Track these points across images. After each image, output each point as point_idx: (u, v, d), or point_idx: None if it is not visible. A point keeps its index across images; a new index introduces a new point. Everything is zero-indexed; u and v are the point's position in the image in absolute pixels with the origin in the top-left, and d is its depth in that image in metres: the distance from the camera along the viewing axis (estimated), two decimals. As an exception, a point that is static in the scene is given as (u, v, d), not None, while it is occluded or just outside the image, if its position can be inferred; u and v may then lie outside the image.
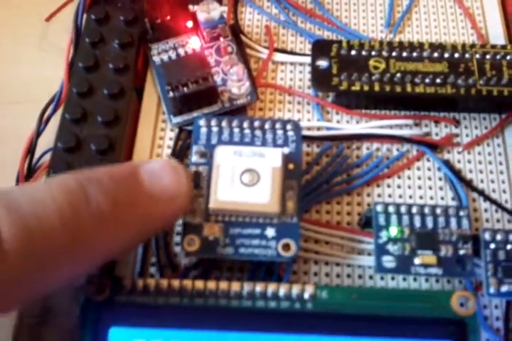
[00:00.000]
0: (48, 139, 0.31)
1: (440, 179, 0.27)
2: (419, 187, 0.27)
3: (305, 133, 0.27)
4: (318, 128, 0.28)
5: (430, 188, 0.27)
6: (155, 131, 0.28)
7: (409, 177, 0.27)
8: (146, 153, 0.27)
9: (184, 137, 0.27)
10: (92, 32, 0.29)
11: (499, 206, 0.26)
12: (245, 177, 0.23)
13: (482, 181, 0.27)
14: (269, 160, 0.23)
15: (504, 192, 0.27)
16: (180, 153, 0.27)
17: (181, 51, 0.28)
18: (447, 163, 0.27)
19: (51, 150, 0.27)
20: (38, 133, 0.30)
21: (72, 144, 0.26)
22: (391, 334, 0.20)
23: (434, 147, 0.27)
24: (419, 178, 0.27)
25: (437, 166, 0.27)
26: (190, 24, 0.29)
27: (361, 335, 0.20)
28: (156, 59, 0.29)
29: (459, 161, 0.27)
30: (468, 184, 0.26)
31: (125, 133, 0.27)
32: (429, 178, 0.27)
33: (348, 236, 0.25)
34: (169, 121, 0.28)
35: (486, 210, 0.26)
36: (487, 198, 0.26)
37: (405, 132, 0.27)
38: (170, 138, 0.28)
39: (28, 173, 0.31)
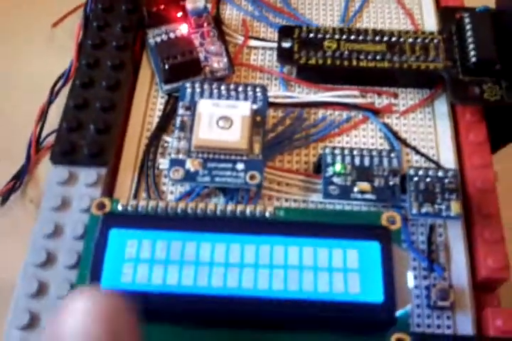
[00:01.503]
0: (53, 122, 0.36)
1: (380, 138, 0.33)
2: (364, 144, 0.33)
3: (272, 100, 0.33)
4: (283, 98, 0.34)
5: (372, 145, 0.33)
6: (148, 97, 0.34)
7: (355, 136, 0.33)
8: (140, 114, 0.33)
9: (172, 102, 0.33)
10: (98, 17, 0.35)
11: (427, 158, 0.32)
12: (221, 122, 0.29)
13: (415, 139, 0.33)
14: (241, 110, 0.29)
15: (432, 148, 0.33)
16: (169, 114, 0.33)
17: (172, 35, 0.35)
18: (387, 125, 0.33)
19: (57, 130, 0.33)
20: (50, 102, 0.36)
21: (81, 102, 0.32)
22: (330, 235, 0.26)
23: (376, 113, 0.33)
24: (363, 136, 0.33)
25: (378, 128, 0.33)
26: (180, 14, 0.35)
27: (308, 236, 0.26)
28: (151, 41, 0.35)
29: (396, 124, 0.33)
30: (403, 141, 0.33)
31: (124, 96, 0.33)
32: (372, 137, 0.33)
33: (303, 179, 0.31)
34: (160, 88, 0.34)
35: (417, 161, 0.32)
36: (417, 152, 0.32)
37: (353, 100, 0.34)
38: (161, 103, 0.34)
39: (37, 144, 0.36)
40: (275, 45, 0.35)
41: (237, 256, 0.25)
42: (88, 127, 0.31)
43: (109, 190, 0.31)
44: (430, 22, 0.37)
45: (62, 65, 0.36)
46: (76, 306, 0.18)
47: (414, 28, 0.37)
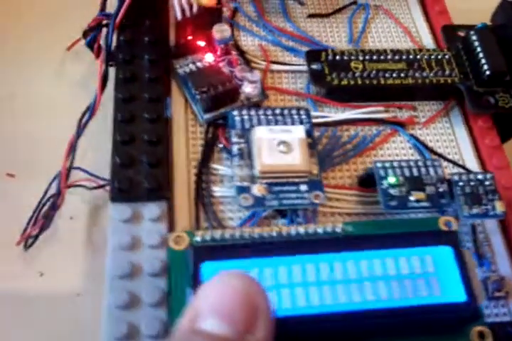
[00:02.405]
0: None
1: (410, 148, 0.36)
2: (397, 155, 0.35)
3: (306, 121, 0.35)
4: (315, 118, 0.36)
5: (404, 155, 0.35)
6: (187, 128, 0.34)
7: (387, 148, 0.35)
8: (182, 145, 0.34)
9: (212, 130, 0.34)
10: (125, 51, 0.35)
11: (455, 163, 0.35)
12: (281, 147, 0.30)
13: (439, 147, 0.36)
14: (296, 133, 0.31)
15: (455, 154, 0.36)
16: (211, 142, 0.34)
17: (199, 65, 0.36)
18: (414, 136, 0.36)
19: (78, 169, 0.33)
20: (78, 135, 0.35)
21: (127, 138, 0.32)
22: (405, 244, 0.28)
23: (402, 125, 0.36)
24: (395, 148, 0.35)
25: (407, 139, 0.36)
26: (203, 43, 0.36)
27: (385, 248, 0.27)
28: (180, 71, 0.35)
29: (420, 135, 0.36)
30: (431, 150, 0.35)
31: (167, 128, 0.33)
32: (402, 148, 0.36)
33: (352, 193, 0.33)
34: (200, 118, 0.34)
35: (445, 167, 0.35)
36: (445, 158, 0.35)
37: (379, 116, 0.36)
38: (200, 132, 0.34)
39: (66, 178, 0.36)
40: (297, 67, 0.37)
41: (327, 274, 0.27)
42: (141, 162, 0.31)
43: (170, 223, 0.31)
44: (427, 39, 0.41)
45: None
46: (219, 281, 0.20)
47: (414, 45, 0.40)
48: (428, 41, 0.41)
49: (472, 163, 0.35)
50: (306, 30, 0.40)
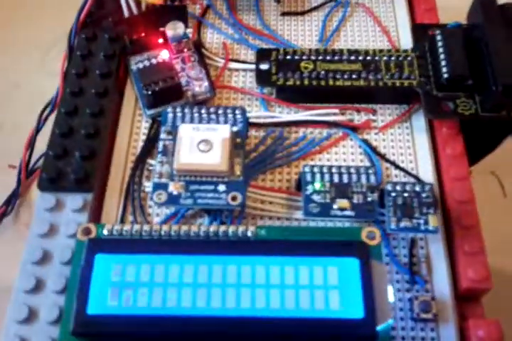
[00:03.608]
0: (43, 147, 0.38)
1: (360, 154, 0.34)
2: (344, 160, 0.33)
3: (253, 121, 0.34)
4: (264, 118, 0.35)
5: (353, 161, 0.33)
6: (133, 122, 0.35)
7: (336, 153, 0.34)
8: (125, 139, 0.34)
9: (156, 126, 0.34)
10: (82, 46, 0.36)
11: (406, 172, 0.33)
12: (201, 146, 0.30)
13: (394, 154, 0.34)
14: (220, 133, 0.30)
15: (411, 162, 0.33)
16: (153, 138, 0.34)
17: (154, 61, 0.36)
18: (366, 142, 0.34)
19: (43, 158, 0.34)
20: (38, 130, 0.37)
21: (66, 130, 0.33)
22: (311, 253, 0.26)
23: (355, 130, 0.34)
24: (343, 153, 0.34)
25: (358, 144, 0.34)
26: (161, 40, 0.36)
27: (288, 254, 0.26)
28: (134, 67, 0.36)
29: (375, 140, 0.34)
30: (383, 157, 0.33)
31: (108, 123, 0.34)
32: (352, 153, 0.34)
33: (286, 196, 0.32)
34: (144, 113, 0.35)
35: (396, 176, 0.33)
36: (397, 166, 0.33)
37: (332, 118, 0.35)
38: (145, 127, 0.35)
39: (27, 169, 0.37)
40: (254, 66, 0.36)
41: (219, 277, 0.26)
42: (73, 154, 0.32)
43: (97, 214, 0.32)
44: (406, 39, 0.38)
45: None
46: None
47: (391, 46, 0.38)
48: (407, 42, 0.38)
49: (427, 173, 0.33)
50: (277, 29, 0.39)
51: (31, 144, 0.37)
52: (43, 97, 0.47)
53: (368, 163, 0.33)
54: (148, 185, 0.32)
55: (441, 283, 0.29)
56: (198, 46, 0.37)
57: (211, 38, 0.39)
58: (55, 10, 0.56)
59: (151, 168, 0.33)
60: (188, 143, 0.30)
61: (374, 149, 0.33)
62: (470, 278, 0.29)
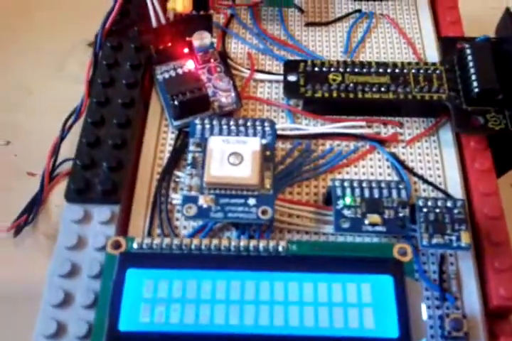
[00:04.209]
0: (66, 151, 0.38)
1: (388, 167, 0.33)
2: (372, 174, 0.33)
3: (280, 133, 0.34)
4: (291, 130, 0.35)
5: (380, 174, 0.33)
6: (159, 133, 0.35)
7: (363, 166, 0.34)
8: (151, 150, 0.34)
9: (183, 137, 0.34)
10: (108, 55, 0.36)
11: (435, 187, 0.32)
12: (232, 159, 0.29)
13: (421, 168, 0.33)
14: (250, 145, 0.30)
15: (439, 176, 0.33)
16: (179, 149, 0.34)
17: (180, 71, 0.36)
18: (393, 155, 0.34)
19: (69, 160, 0.34)
20: (62, 138, 0.37)
21: (93, 140, 0.32)
22: (344, 269, 0.26)
23: (382, 143, 0.34)
24: (371, 167, 0.34)
25: (385, 158, 0.34)
26: (186, 50, 0.36)
27: (321, 271, 0.26)
28: (159, 77, 0.36)
29: (403, 154, 0.34)
30: (411, 170, 0.33)
31: (135, 133, 0.34)
32: (379, 167, 0.33)
33: (314, 210, 0.32)
34: (171, 124, 0.34)
35: (424, 190, 0.33)
36: (425, 181, 0.33)
37: (359, 131, 0.34)
38: (171, 138, 0.34)
39: (50, 175, 0.37)
40: (281, 77, 0.36)
41: (252, 294, 0.26)
42: (101, 165, 0.32)
43: (124, 226, 0.31)
44: (432, 51, 0.38)
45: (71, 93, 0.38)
46: None
47: (416, 58, 0.38)
48: (433, 54, 0.38)
49: (456, 188, 0.33)
50: (301, 39, 0.39)
51: (55, 152, 0.37)
52: (56, 104, 0.47)
53: (395, 177, 0.33)
54: (175, 197, 0.32)
55: (471, 300, 0.29)
56: (223, 56, 0.37)
57: (235, 48, 0.39)
58: (71, 17, 0.56)
59: (177, 179, 0.33)
60: (219, 155, 0.29)
61: (402, 163, 0.33)
62: (501, 296, 0.29)
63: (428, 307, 0.29)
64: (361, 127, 0.35)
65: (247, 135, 0.31)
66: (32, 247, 0.40)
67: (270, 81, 0.37)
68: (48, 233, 0.41)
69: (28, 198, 0.40)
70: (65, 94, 0.50)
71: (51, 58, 0.54)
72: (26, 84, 0.53)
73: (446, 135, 0.34)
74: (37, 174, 0.46)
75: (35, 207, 0.38)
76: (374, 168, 0.33)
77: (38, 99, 0.52)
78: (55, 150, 0.37)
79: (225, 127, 0.32)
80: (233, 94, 0.34)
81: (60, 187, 0.40)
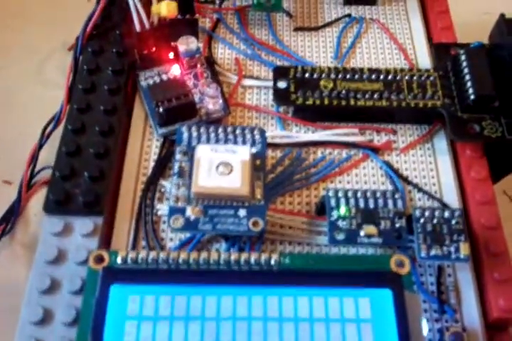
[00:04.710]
0: (44, 158, 0.36)
1: (382, 175, 0.32)
2: (365, 183, 0.32)
3: (270, 141, 0.32)
4: (281, 138, 0.33)
5: (374, 183, 0.32)
6: (143, 141, 0.33)
7: (356, 175, 0.32)
8: (135, 159, 0.32)
9: (168, 145, 0.33)
10: (89, 61, 0.34)
11: (430, 195, 0.31)
12: (221, 168, 0.28)
13: (416, 177, 0.32)
14: (240, 155, 0.29)
15: (434, 185, 0.32)
16: (164, 158, 0.32)
17: (164, 77, 0.34)
18: (387, 163, 0.32)
19: (48, 168, 0.32)
20: (41, 145, 0.35)
21: (74, 149, 0.31)
22: (340, 283, 0.25)
23: (376, 151, 0.33)
24: (364, 175, 0.32)
25: (379, 166, 0.33)
26: (171, 55, 0.35)
27: (317, 285, 0.25)
28: (144, 83, 0.34)
29: (397, 162, 0.33)
30: (405, 179, 0.32)
31: (118, 141, 0.32)
32: (373, 175, 0.32)
33: (306, 221, 0.30)
34: (156, 132, 0.33)
35: (419, 199, 0.32)
36: (420, 189, 0.32)
37: (352, 139, 0.33)
38: (156, 146, 0.33)
39: (28, 184, 0.35)
40: (270, 83, 0.35)
41: (244, 310, 0.24)
42: (82, 175, 0.30)
43: (107, 239, 0.30)
44: (423, 57, 0.37)
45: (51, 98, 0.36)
46: None
47: (407, 63, 0.37)
48: (425, 60, 0.37)
49: (451, 196, 0.32)
50: (290, 44, 0.38)
51: (34, 160, 0.35)
52: (35, 109, 0.46)
53: (389, 186, 0.32)
54: (161, 208, 0.30)
55: (470, 312, 0.28)
56: (210, 62, 0.36)
57: (222, 54, 0.38)
58: (52, 19, 0.54)
59: (163, 189, 0.31)
60: (207, 165, 0.28)
61: (396, 171, 0.32)
62: (501, 308, 0.28)
63: (427, 320, 0.28)
64: (354, 134, 0.34)
65: (236, 143, 0.30)
66: (9, 258, 0.38)
67: (259, 87, 0.36)
68: (26, 243, 0.39)
69: (5, 207, 0.38)
70: (45, 100, 0.48)
71: (30, 62, 0.52)
72: (5, 88, 0.51)
73: (441, 142, 0.34)
74: (14, 182, 0.44)
75: (12, 216, 0.37)
76: (367, 176, 0.32)
77: (16, 103, 0.50)
78: (34, 158, 0.35)
79: (213, 135, 0.30)
80: (221, 101, 0.33)
81: (39, 196, 0.39)
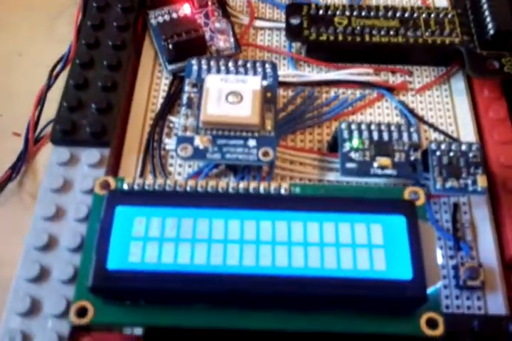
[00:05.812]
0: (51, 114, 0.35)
1: (397, 115, 0.31)
2: (379, 122, 0.31)
3: (281, 79, 0.31)
4: (293, 77, 0.33)
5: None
6: (152, 78, 0.32)
7: (370, 114, 0.32)
8: (144, 94, 0.32)
9: (177, 82, 0.32)
10: (99, -2, 0.34)
11: (446, 135, 0.30)
12: (231, 98, 0.27)
13: (432, 117, 0.31)
14: (251, 84, 0.28)
15: (450, 125, 0.31)
16: (174, 94, 0.32)
17: (175, 15, 0.33)
18: (403, 103, 0.32)
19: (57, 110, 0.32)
20: (49, 86, 0.34)
21: (82, 82, 0.30)
22: (352, 209, 0.24)
23: (391, 90, 0.32)
24: (379, 115, 0.31)
25: (394, 106, 0.32)
26: (183, -7, 0.34)
27: (327, 211, 0.24)
28: (153, 21, 0.34)
29: (412, 102, 0.32)
30: (421, 119, 0.31)
31: (126, 76, 0.31)
32: (388, 115, 0.31)
33: (317, 157, 0.29)
34: (165, 68, 0.32)
35: (435, 139, 0.31)
36: (436, 129, 0.31)
37: (366, 78, 0.32)
38: (165, 84, 0.32)
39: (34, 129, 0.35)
40: (282, 25, 0.34)
41: (252, 233, 0.23)
42: (89, 107, 0.29)
43: (114, 172, 0.29)
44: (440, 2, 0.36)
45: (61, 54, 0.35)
46: None
47: (423, 2, 0.36)
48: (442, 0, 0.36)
49: (469, 136, 0.31)
50: (304, -13, 0.37)
51: (41, 101, 0.34)
52: (45, 65, 0.45)
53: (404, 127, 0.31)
54: (169, 143, 0.30)
55: (487, 249, 0.27)
56: (222, 2, 0.35)
57: (234, -4, 0.37)
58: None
59: (171, 125, 0.31)
60: (216, 94, 0.27)
61: (411, 111, 0.31)
62: (518, 246, 0.27)
63: (442, 256, 0.27)
64: (368, 74, 0.33)
65: (246, 76, 0.29)
66: (16, 205, 0.38)
67: (271, 28, 0.35)
68: (34, 192, 0.38)
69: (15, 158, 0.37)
70: (55, 56, 0.47)
71: (41, 19, 0.51)
72: (16, 45, 0.51)
73: (458, 83, 0.33)
74: (23, 135, 0.43)
75: (18, 164, 0.36)
76: (382, 116, 0.31)
77: (26, 60, 0.49)
78: (41, 99, 0.34)
79: (223, 68, 0.29)
80: (231, 39, 0.32)
81: (47, 149, 0.38)
